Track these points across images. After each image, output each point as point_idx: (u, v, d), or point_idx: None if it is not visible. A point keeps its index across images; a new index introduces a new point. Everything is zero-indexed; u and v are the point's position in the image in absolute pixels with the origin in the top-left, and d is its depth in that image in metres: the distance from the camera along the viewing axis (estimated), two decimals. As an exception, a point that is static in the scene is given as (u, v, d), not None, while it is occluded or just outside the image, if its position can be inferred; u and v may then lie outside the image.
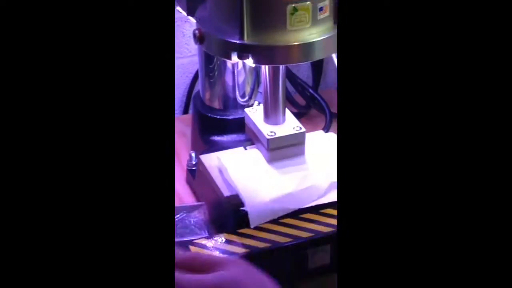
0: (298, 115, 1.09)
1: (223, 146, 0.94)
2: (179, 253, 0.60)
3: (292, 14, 0.76)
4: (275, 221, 0.83)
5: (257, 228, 0.82)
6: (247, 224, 0.82)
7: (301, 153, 0.89)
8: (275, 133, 0.87)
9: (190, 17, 0.83)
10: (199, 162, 0.92)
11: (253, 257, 0.78)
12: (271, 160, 0.88)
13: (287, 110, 0.90)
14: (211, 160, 0.90)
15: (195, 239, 0.82)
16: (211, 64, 0.96)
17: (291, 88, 1.15)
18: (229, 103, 0.98)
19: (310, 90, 1.15)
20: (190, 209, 0.89)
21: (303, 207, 0.84)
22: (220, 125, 0.98)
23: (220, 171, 0.88)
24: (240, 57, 0.77)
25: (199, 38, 0.80)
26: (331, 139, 0.94)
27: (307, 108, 1.16)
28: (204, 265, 0.59)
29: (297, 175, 0.86)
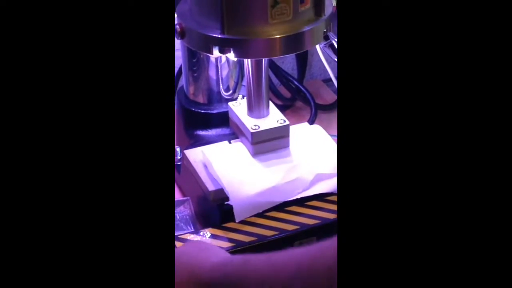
0: (283, 108, 1.10)
1: (208, 141, 0.93)
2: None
3: (273, 6, 0.75)
4: (260, 215, 0.83)
5: (243, 222, 0.82)
6: (232, 218, 0.82)
7: (286, 145, 0.89)
8: (259, 127, 0.87)
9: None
10: (184, 157, 0.91)
11: (240, 251, 0.78)
12: (255, 153, 0.88)
13: (271, 103, 0.90)
14: (195, 154, 0.90)
15: (180, 234, 0.82)
16: (194, 59, 0.95)
17: (276, 81, 1.15)
18: (213, 97, 0.98)
19: (295, 82, 1.15)
20: (175, 204, 0.89)
21: (289, 199, 0.84)
22: (205, 119, 0.97)
23: (205, 166, 0.88)
24: (222, 51, 0.77)
25: (180, 33, 0.79)
26: (316, 131, 0.94)
27: (292, 100, 1.16)
28: None
29: (282, 168, 0.86)
